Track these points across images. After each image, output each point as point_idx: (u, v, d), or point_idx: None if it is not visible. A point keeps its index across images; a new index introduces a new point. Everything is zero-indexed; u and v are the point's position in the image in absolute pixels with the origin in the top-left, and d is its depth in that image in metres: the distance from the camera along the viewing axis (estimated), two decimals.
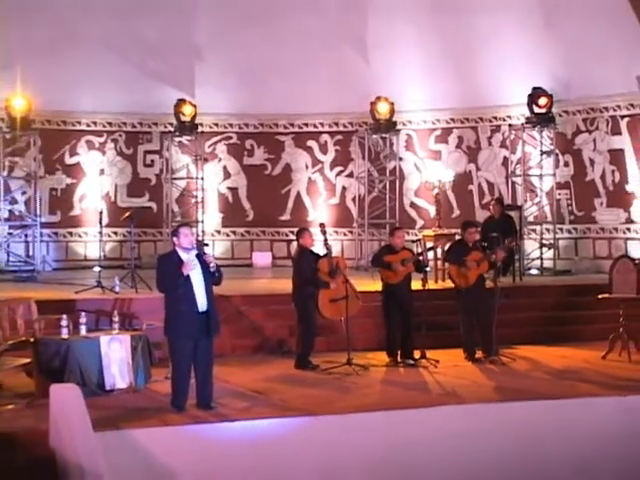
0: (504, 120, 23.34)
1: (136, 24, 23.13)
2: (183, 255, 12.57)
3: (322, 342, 16.05)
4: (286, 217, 24.47)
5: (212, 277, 12.72)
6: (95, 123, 24.13)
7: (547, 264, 22.38)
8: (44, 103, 22.67)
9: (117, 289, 18.02)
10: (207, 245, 21.88)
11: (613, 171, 22.15)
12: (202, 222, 24.23)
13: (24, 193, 23.38)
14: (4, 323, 13.99)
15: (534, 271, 22.07)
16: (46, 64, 22.09)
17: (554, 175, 22.63)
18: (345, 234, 24.25)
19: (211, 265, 12.57)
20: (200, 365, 12.76)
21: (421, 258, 16.82)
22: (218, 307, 15.98)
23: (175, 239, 12.80)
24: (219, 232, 24.60)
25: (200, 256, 12.72)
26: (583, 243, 22.68)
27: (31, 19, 21.99)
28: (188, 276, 12.43)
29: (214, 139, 24.68)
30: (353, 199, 24.51)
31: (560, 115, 22.34)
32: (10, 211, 23.14)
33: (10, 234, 23.09)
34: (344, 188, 24.71)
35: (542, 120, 22.11)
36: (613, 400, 13.86)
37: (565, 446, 12.84)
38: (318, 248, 16.26)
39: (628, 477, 11.63)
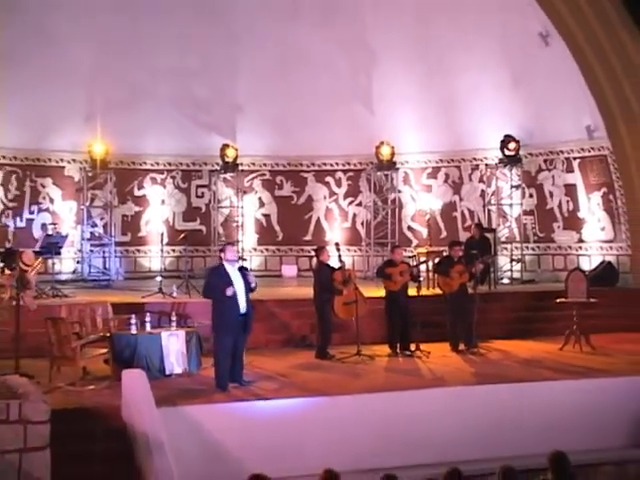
0: (482, 160, 23.27)
1: (190, 85, 23.20)
2: (228, 267, 12.99)
3: (337, 337, 16.03)
4: (308, 237, 24.43)
5: (249, 287, 13.02)
6: (157, 163, 24.17)
7: (516, 275, 22.25)
8: (118, 148, 22.74)
9: (175, 294, 18.04)
10: (245, 260, 21.98)
11: (568, 201, 22.08)
12: (242, 241, 24.18)
13: (102, 219, 23.38)
14: (87, 321, 14.10)
15: (506, 280, 21.95)
16: (120, 117, 22.13)
17: (521, 204, 22.53)
18: (355, 251, 24.21)
19: (252, 285, 13.13)
20: (236, 353, 13.07)
21: (416, 271, 16.94)
22: (255, 309, 16.16)
23: (222, 254, 13.22)
24: (255, 249, 24.58)
25: (242, 270, 13.03)
26: (544, 258, 22.60)
27: (109, 81, 22.07)
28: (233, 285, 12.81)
29: (251, 175, 24.65)
30: (362, 223, 24.46)
31: (526, 157, 22.27)
32: (91, 233, 23.15)
33: (91, 251, 23.11)
34: (354, 215, 24.66)
35: (511, 161, 22.02)
36: (568, 383, 13.91)
37: (530, 419, 12.89)
38: (334, 262, 16.29)
39: (580, 442, 11.61)
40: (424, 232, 23.52)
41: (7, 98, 21.34)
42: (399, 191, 24.13)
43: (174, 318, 14.46)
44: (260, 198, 24.81)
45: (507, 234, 22.78)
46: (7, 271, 13.28)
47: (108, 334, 13.75)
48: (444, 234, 23.24)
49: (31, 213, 22.72)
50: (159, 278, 19.85)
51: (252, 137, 24.02)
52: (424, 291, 17.39)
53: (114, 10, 21.54)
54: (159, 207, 24.19)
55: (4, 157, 22.26)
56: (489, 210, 23.19)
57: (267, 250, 24.68)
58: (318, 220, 24.74)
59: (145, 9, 21.79)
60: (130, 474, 10.64)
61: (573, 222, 22.10)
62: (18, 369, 12.30)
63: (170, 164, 24.28)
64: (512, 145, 21.81)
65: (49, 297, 17.94)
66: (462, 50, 22.06)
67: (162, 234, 22.45)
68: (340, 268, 15.93)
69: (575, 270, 18.19)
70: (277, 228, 24.74)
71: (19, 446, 8.92)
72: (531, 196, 22.70)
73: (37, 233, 22.21)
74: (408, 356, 15.75)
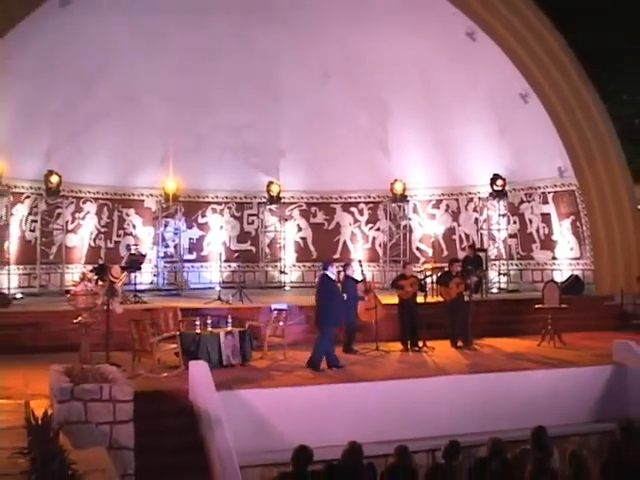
0: (475, 194, 23.20)
1: (243, 134, 23.29)
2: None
3: (360, 335, 16.00)
4: (337, 256, 24.23)
5: None
6: (217, 197, 24.26)
7: (503, 286, 22.18)
8: (186, 184, 22.91)
9: (230, 301, 18.16)
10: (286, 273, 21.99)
11: (544, 227, 22.01)
12: (284, 259, 24.33)
13: (174, 241, 23.51)
14: (161, 322, 14.17)
15: (495, 290, 21.89)
16: (187, 160, 22.27)
17: (507, 229, 22.47)
18: (375, 267, 24.13)
19: None
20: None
21: (423, 282, 16.94)
22: (296, 314, 16.33)
23: (330, 269, 14.40)
24: (294, 265, 24.57)
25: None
26: (525, 272, 22.48)
27: (179, 132, 22.24)
28: None
29: (291, 206, 24.68)
30: (379, 244, 24.41)
31: (510, 191, 22.19)
32: (165, 252, 23.29)
33: (165, 266, 23.25)
34: (374, 238, 24.59)
35: (499, 194, 22.00)
36: (544, 371, 13.92)
37: (514, 400, 12.89)
38: (357, 275, 16.33)
39: (553, 418, 11.57)
40: (429, 252, 23.57)
41: (100, 147, 21.63)
42: (409, 219, 24.07)
43: (230, 320, 14.48)
44: (298, 224, 24.84)
45: (496, 253, 22.69)
46: (100, 282, 13.39)
47: (178, 332, 13.79)
48: (445, 253, 23.16)
49: (118, 236, 22.90)
50: (218, 288, 19.96)
51: (292, 176, 24.12)
52: (429, 299, 17.34)
53: (183, 77, 21.75)
54: (218, 231, 24.25)
55: (98, 192, 22.46)
56: (481, 234, 23.12)
57: (304, 266, 24.69)
58: (345, 242, 24.73)
59: (207, 75, 21.97)
60: (195, 443, 10.73)
61: (548, 243, 22.03)
62: (108, 359, 12.41)
63: (227, 197, 24.36)
64: (499, 182, 21.81)
65: (132, 303, 18.13)
66: (458, 106, 22.07)
67: (220, 253, 22.62)
68: (362, 280, 15.99)
69: (550, 282, 18.22)
70: (312, 248, 24.74)
71: (110, 419, 9.03)
72: (515, 222, 22.61)
73: (123, 252, 22.43)
74: (416, 351, 15.73)
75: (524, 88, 20.81)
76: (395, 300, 16.36)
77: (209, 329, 14.06)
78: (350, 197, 24.71)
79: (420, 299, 16.38)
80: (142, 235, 23.26)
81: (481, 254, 21.31)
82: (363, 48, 21.99)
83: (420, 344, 15.88)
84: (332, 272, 14.37)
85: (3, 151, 18.78)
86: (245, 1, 20.82)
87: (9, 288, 19.36)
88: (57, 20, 18.42)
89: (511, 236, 22.65)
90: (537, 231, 22.25)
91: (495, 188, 21.94)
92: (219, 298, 18.56)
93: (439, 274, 18.10)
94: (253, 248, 24.43)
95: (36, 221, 21.12)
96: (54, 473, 5.79)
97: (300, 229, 24.87)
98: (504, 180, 21.81)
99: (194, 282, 23.64)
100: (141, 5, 19.91)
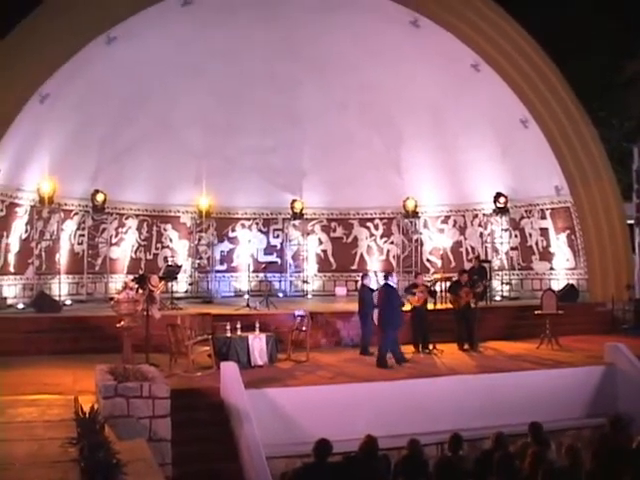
0: (480, 211, 23.15)
1: (268, 157, 23.36)
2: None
3: (375, 339, 15.87)
4: (354, 267, 24.38)
5: None
6: (246, 213, 24.30)
7: (505, 294, 22.14)
8: (217, 202, 23.00)
9: (258, 308, 18.18)
10: (308, 283, 21.83)
11: (542, 240, 21.96)
12: (306, 269, 24.33)
13: (206, 253, 23.60)
14: (195, 326, 14.22)
15: (498, 297, 21.79)
16: (219, 180, 22.36)
17: (509, 242, 22.45)
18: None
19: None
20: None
21: (433, 290, 16.94)
22: (316, 320, 16.29)
23: (391, 278, 14.97)
24: (316, 275, 24.58)
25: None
26: (526, 281, 22.41)
27: (211, 155, 22.35)
28: None
29: (313, 222, 24.67)
30: (393, 256, 24.36)
31: (512, 208, 22.14)
32: (198, 263, 23.40)
33: (199, 276, 23.34)
34: (388, 250, 24.55)
35: (501, 211, 21.95)
36: (542, 372, 13.91)
37: (515, 398, 12.88)
38: (373, 285, 16.33)
39: (550, 414, 11.55)
40: (439, 263, 23.52)
41: (141, 169, 21.76)
42: (420, 233, 24.07)
43: (257, 325, 14.55)
44: (319, 238, 24.82)
45: (499, 264, 22.63)
46: (140, 291, 13.47)
47: (210, 336, 13.89)
48: (453, 264, 23.11)
49: (156, 249, 22.98)
50: (246, 296, 19.98)
51: (313, 194, 24.14)
52: (439, 306, 17.38)
53: (215, 107, 21.88)
54: (247, 245, 24.27)
55: (139, 209, 22.56)
56: (486, 247, 23.07)
57: (324, 276, 24.70)
58: (361, 254, 24.70)
59: (237, 105, 22.10)
60: (225, 436, 10.79)
61: (546, 255, 21.96)
62: (148, 360, 12.52)
63: (254, 214, 24.40)
64: (502, 199, 21.76)
65: (169, 309, 18.18)
66: (464, 131, 22.09)
67: (249, 264, 22.65)
68: (378, 289, 15.98)
69: (548, 290, 18.18)
70: (332, 260, 24.74)
71: (149, 414, 9.09)
72: (516, 236, 22.55)
73: (161, 263, 22.55)
74: (427, 353, 15.75)
75: (524, 114, 20.80)
76: (407, 307, 16.32)
77: (239, 333, 14.11)
78: (366, 213, 24.71)
79: (430, 306, 16.37)
80: (178, 248, 23.33)
81: (486, 265, 21.23)
82: (378, 79, 22.05)
83: (430, 347, 15.89)
84: (393, 281, 14.80)
85: (55, 172, 18.95)
86: (271, 39, 20.93)
87: (60, 295, 19.50)
88: (104, 55, 18.60)
89: (513, 248, 22.60)
90: (536, 244, 22.18)
91: (498, 205, 21.89)
92: (247, 305, 18.59)
93: (449, 284, 18.09)
94: (278, 260, 24.44)
95: (83, 235, 21.27)
96: (100, 461, 5.85)
97: (321, 242, 24.87)
98: (506, 198, 21.76)
99: (225, 290, 23.66)
100: (177, 43, 20.06)
